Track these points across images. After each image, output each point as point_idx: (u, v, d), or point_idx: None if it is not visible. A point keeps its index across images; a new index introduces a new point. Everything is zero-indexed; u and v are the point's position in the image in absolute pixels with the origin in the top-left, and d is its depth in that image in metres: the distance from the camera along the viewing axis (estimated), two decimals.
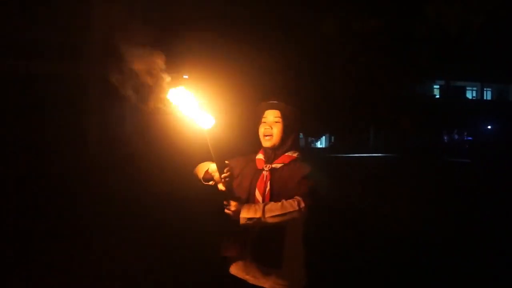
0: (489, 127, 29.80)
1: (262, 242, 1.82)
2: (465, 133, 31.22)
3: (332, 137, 30.32)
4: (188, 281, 3.81)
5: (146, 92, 1.68)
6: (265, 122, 1.92)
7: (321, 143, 32.24)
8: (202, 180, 1.94)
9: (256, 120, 1.97)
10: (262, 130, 1.93)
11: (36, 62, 11.02)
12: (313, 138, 27.31)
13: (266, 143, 1.91)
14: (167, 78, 1.64)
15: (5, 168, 8.49)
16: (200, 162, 1.99)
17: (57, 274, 3.85)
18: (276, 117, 1.90)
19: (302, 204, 1.73)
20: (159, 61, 1.65)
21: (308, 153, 21.62)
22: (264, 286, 1.84)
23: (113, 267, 4.04)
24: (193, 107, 1.64)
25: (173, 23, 7.27)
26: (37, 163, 9.39)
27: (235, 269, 1.91)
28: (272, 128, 1.90)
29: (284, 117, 1.90)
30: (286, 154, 1.91)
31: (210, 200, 2.17)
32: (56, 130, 11.26)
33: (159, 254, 4.45)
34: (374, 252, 4.83)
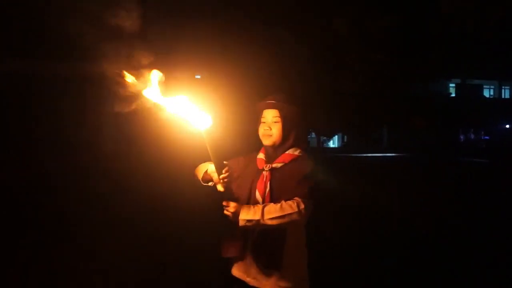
0: (506, 126, 29.17)
1: (262, 243, 1.79)
2: (482, 133, 30.65)
3: (345, 137, 30.12)
4: (189, 281, 3.78)
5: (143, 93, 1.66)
6: (264, 122, 1.89)
7: (333, 143, 32.06)
8: (201, 181, 1.92)
9: (255, 119, 1.94)
10: (261, 130, 1.89)
11: (51, 63, 11.21)
12: (325, 138, 27.17)
13: (266, 141, 1.88)
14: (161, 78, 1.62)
15: (15, 167, 8.67)
16: (201, 163, 1.97)
17: (50, 273, 3.83)
18: (274, 116, 1.86)
19: (302, 206, 1.69)
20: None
21: (320, 152, 21.50)
22: None
23: (111, 266, 4.02)
24: (190, 108, 1.62)
25: (178, 21, 7.29)
26: (54, 161, 9.55)
27: (236, 270, 1.90)
28: (271, 129, 1.86)
29: (283, 116, 1.85)
30: (287, 152, 1.87)
31: (211, 200, 2.14)
32: (73, 128, 11.46)
33: (159, 255, 4.41)
34: (384, 254, 4.73)
